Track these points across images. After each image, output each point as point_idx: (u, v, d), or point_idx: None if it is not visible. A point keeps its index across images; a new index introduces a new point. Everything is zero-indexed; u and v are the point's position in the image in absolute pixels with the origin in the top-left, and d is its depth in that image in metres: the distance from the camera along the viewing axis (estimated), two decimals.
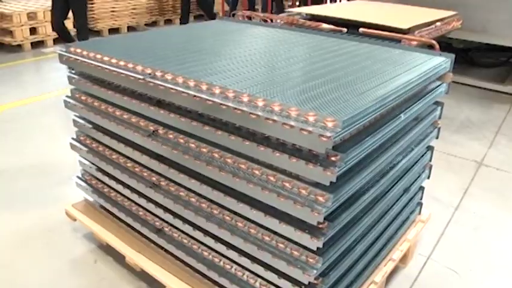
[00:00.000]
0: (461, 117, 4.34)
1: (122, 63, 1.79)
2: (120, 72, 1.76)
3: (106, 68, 1.83)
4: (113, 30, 7.97)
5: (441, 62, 1.95)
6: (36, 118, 4.27)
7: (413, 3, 4.58)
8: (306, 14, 3.70)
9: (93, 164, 2.23)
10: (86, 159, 2.27)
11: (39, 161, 3.44)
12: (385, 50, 2.12)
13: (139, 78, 1.67)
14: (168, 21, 8.92)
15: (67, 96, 2.23)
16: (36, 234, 2.52)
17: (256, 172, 1.46)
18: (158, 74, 1.64)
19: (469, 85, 5.22)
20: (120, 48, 2.08)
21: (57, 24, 5.29)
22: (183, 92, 1.52)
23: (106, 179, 2.17)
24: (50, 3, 6.46)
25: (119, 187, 2.09)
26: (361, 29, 2.65)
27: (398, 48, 2.18)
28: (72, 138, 2.32)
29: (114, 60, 1.83)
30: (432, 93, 1.94)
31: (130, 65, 1.75)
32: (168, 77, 1.61)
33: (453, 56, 2.00)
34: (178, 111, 1.64)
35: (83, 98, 2.13)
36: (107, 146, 2.10)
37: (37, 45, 6.87)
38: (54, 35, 6.97)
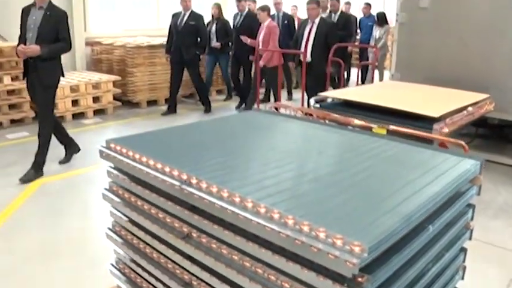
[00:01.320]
0: (498, 201, 4.28)
1: (159, 165, 1.91)
2: (157, 176, 1.87)
3: (143, 170, 1.95)
4: (151, 102, 8.36)
5: (471, 165, 1.99)
6: (75, 193, 4.46)
7: (443, 83, 4.66)
8: (336, 99, 3.83)
9: (127, 255, 2.32)
10: (120, 249, 2.36)
11: (75, 238, 3.56)
12: (414, 151, 2.18)
13: (175, 185, 1.78)
14: None
15: (105, 189, 2.37)
16: None
17: (286, 285, 1.50)
18: (193, 181, 1.75)
19: (505, 164, 5.17)
20: (158, 145, 2.22)
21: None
22: (216, 204, 1.61)
23: (139, 271, 2.24)
24: (91, 76, 6.89)
25: (152, 280, 2.16)
26: (391, 127, 2.74)
27: (428, 148, 2.24)
28: (108, 228, 2.43)
29: (151, 162, 1.95)
30: (463, 197, 1.97)
31: (167, 169, 1.87)
32: (203, 185, 1.71)
33: (483, 159, 2.04)
34: (212, 217, 1.73)
35: (120, 192, 2.25)
36: (141, 240, 2.19)
37: (77, 116, 7.26)
38: (95, 106, 7.38)
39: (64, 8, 7.75)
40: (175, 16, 7.72)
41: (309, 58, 6.48)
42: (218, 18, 8.48)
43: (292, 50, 7.07)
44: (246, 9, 8.32)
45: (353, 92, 4.29)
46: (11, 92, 6.65)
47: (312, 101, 3.81)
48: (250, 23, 7.93)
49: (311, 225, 1.40)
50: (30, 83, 4.78)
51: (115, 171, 2.25)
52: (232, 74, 8.49)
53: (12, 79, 6.57)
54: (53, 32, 4.61)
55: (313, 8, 6.50)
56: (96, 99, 7.44)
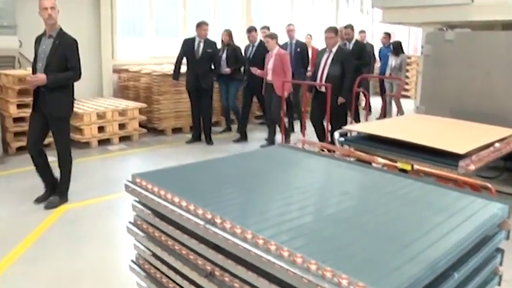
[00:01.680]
0: None
1: (183, 203, 1.94)
2: (181, 213, 1.91)
3: (168, 206, 1.99)
4: (176, 130, 8.47)
5: (499, 209, 1.97)
6: (98, 220, 4.52)
7: (469, 116, 4.62)
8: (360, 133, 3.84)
9: None
10: (143, 282, 2.39)
11: (98, 267, 3.60)
12: (439, 192, 2.17)
13: (200, 224, 1.80)
14: None
15: (130, 222, 2.41)
16: None
17: None
18: (218, 220, 1.77)
19: None
20: (183, 181, 2.26)
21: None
22: (239, 245, 1.63)
23: None
24: (118, 103, 6.99)
25: None
26: (415, 166, 2.73)
27: (453, 189, 2.22)
28: (132, 261, 2.47)
29: (176, 199, 1.99)
30: (491, 242, 1.94)
31: (191, 207, 1.90)
32: (227, 225, 1.73)
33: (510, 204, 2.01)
34: (236, 257, 1.74)
35: (145, 226, 2.29)
36: (164, 274, 2.21)
37: (103, 142, 7.40)
38: (120, 133, 7.52)
39: (92, 35, 8.07)
40: (188, 43, 7.55)
41: (323, 88, 6.29)
42: (228, 44, 8.24)
43: (308, 82, 7.02)
44: (258, 40, 8.09)
45: (377, 126, 4.29)
46: (17, 120, 6.69)
47: (336, 134, 3.83)
48: (264, 54, 7.55)
49: (334, 271, 1.40)
50: (39, 114, 4.63)
51: (140, 206, 2.29)
52: (244, 107, 8.09)
53: None
54: (62, 61, 4.49)
55: (330, 36, 6.34)
56: (122, 126, 7.58)
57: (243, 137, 7.97)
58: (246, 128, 8.00)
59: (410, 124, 4.49)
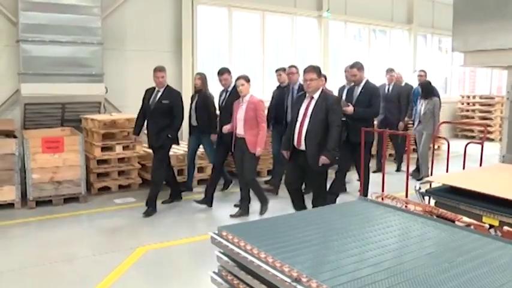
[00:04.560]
0: None
1: (270, 259, 2.06)
2: (267, 269, 2.02)
3: (254, 262, 2.11)
4: None
5: None
6: (178, 263, 4.72)
7: None
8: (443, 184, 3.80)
9: None
10: None
11: None
12: None
13: (286, 281, 1.91)
14: None
15: (214, 272, 2.56)
16: None
17: None
18: (303, 279, 1.87)
19: None
20: (267, 235, 2.38)
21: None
22: None
23: None
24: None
25: None
26: (505, 228, 2.68)
27: None
28: None
29: (262, 255, 2.11)
30: None
31: (277, 264, 2.01)
32: (313, 284, 1.82)
33: None
34: None
35: (229, 277, 2.43)
36: None
37: None
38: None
39: (174, 78, 8.53)
40: (147, 92, 6.48)
41: (303, 145, 5.06)
42: (200, 91, 7.17)
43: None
44: (232, 84, 6.62)
45: (461, 177, 4.21)
46: (121, 160, 7.32)
47: (417, 185, 3.82)
48: (235, 98, 6.18)
49: None
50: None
51: (225, 257, 2.44)
52: (217, 163, 6.63)
53: (124, 148, 7.24)
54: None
55: (311, 78, 4.99)
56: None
57: (207, 201, 6.53)
58: (213, 191, 6.59)
59: (496, 175, 4.36)
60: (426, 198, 3.85)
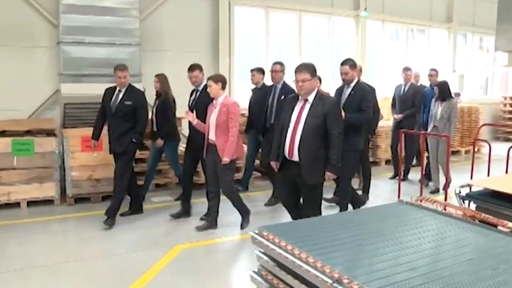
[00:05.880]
0: None
1: (311, 260, 2.12)
2: (308, 270, 2.08)
3: (295, 262, 2.17)
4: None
5: None
6: (214, 262, 4.82)
7: None
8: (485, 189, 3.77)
9: None
10: None
11: None
12: None
13: (327, 282, 1.96)
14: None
15: (253, 272, 2.63)
16: None
17: None
18: (345, 280, 1.92)
19: None
20: (308, 236, 2.44)
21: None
22: None
23: None
24: None
25: None
26: None
27: None
28: None
29: (303, 255, 2.17)
30: None
31: (318, 265, 2.06)
32: (354, 286, 1.87)
33: None
34: None
35: (269, 277, 2.49)
36: None
37: None
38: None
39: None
40: (107, 92, 6.02)
41: (296, 155, 4.44)
42: (159, 94, 6.74)
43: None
44: (204, 83, 6.02)
45: (503, 181, 4.16)
46: (137, 161, 7.17)
47: (457, 189, 3.80)
48: (207, 101, 5.65)
49: None
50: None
51: (264, 257, 2.51)
52: (185, 171, 6.24)
53: None
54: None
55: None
56: None
57: (185, 213, 6.15)
58: (189, 203, 6.20)
59: None
60: (466, 202, 3.83)
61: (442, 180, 7.06)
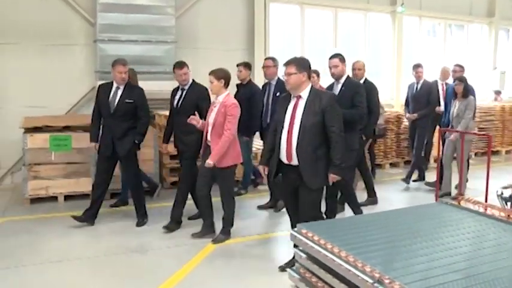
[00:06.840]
0: None
1: (351, 259, 2.13)
2: (348, 269, 2.09)
3: (334, 260, 2.19)
4: None
5: None
6: (251, 258, 4.85)
7: None
8: None
9: None
10: None
11: None
12: None
13: (367, 281, 1.97)
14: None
15: (292, 270, 2.66)
16: None
17: None
18: (386, 280, 1.92)
19: None
20: (348, 234, 2.45)
21: None
22: None
23: None
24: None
25: None
26: None
27: None
28: None
29: (343, 254, 2.18)
30: None
31: (359, 264, 2.08)
32: (396, 286, 1.87)
33: None
34: None
35: (307, 275, 2.52)
36: None
37: None
38: None
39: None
40: (102, 90, 5.67)
41: (295, 159, 4.09)
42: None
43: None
44: (190, 81, 5.71)
45: None
46: (173, 157, 7.14)
47: (499, 190, 3.74)
48: (197, 101, 5.51)
49: None
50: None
51: (303, 255, 2.53)
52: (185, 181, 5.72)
53: None
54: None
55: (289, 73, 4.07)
56: None
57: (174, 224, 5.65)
58: (181, 214, 5.72)
59: None
60: (508, 204, 3.76)
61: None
